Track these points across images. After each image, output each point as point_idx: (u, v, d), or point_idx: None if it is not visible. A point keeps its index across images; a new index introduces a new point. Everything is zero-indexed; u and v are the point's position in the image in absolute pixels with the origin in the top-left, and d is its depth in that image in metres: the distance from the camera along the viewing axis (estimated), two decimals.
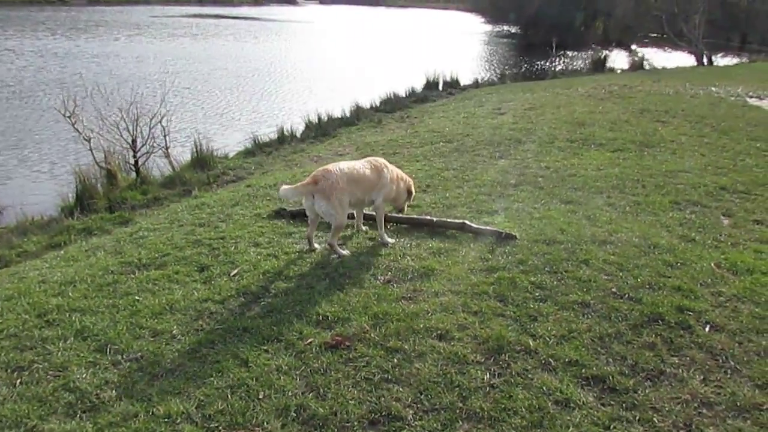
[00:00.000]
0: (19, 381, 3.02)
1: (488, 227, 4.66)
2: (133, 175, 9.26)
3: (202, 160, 9.68)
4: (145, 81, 17.40)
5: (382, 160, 4.73)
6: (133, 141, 9.26)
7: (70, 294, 4.01)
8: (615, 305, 3.45)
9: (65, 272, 4.54)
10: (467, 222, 4.72)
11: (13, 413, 2.75)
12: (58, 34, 32.38)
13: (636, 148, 7.15)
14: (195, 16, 53.41)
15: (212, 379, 2.99)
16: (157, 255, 4.74)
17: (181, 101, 16.03)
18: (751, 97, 10.81)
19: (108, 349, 3.29)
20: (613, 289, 3.63)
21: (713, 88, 11.81)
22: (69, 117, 9.06)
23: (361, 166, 4.55)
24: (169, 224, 5.80)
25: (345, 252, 4.45)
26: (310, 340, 3.27)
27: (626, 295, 3.56)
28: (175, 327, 3.51)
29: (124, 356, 3.23)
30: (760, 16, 28.40)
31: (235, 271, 4.23)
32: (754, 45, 28.94)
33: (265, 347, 3.25)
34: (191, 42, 33.02)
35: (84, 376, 3.04)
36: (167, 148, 10.02)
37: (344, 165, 4.49)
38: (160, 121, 9.71)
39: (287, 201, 4.96)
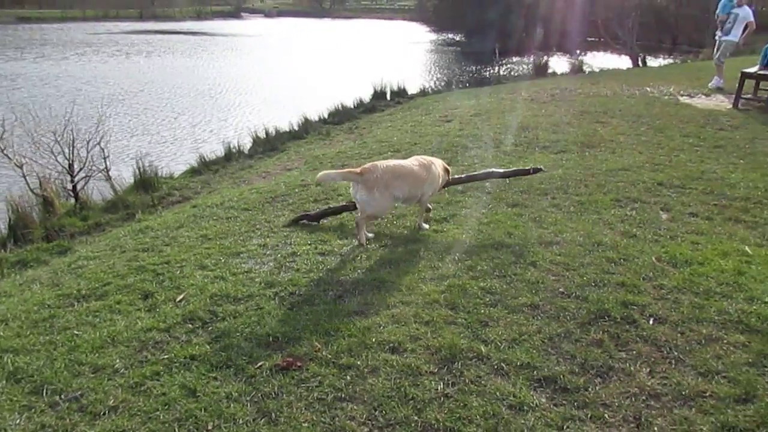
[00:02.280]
0: None
1: (514, 169, 5.59)
2: (72, 200, 8.88)
3: (145, 182, 9.38)
4: (82, 101, 16.79)
5: (429, 157, 5.07)
6: (70, 165, 8.90)
7: (1, 333, 3.77)
8: (563, 305, 3.50)
9: None
10: (494, 170, 5.52)
11: None
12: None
13: (578, 149, 7.35)
14: (136, 32, 52.09)
15: (158, 413, 2.85)
16: (97, 285, 4.53)
17: (122, 121, 15.57)
18: (682, 95, 11.32)
19: (44, 390, 3.09)
20: (561, 289, 3.69)
21: (648, 89, 12.31)
22: None
23: (409, 163, 4.88)
24: (110, 251, 5.58)
25: (370, 235, 4.76)
26: (260, 364, 3.17)
27: (573, 294, 3.62)
28: (117, 360, 3.34)
29: (62, 396, 3.04)
30: (687, 19, 29.98)
31: (181, 297, 4.08)
32: (684, 46, 30.48)
33: (214, 375, 3.13)
34: (130, 60, 32.14)
35: (18, 422, 2.84)
36: (108, 171, 9.68)
37: (392, 162, 4.82)
38: (99, 143, 9.37)
39: (325, 184, 5.04)
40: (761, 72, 10.29)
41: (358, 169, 4.65)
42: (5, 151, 8.62)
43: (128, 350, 3.44)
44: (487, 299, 3.64)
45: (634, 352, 3.05)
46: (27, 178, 8.54)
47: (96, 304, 4.14)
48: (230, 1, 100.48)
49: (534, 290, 3.69)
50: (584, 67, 23.68)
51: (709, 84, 11.90)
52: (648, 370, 2.91)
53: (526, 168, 5.46)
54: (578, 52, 32.51)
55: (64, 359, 3.38)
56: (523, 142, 7.91)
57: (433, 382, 2.90)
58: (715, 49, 12.03)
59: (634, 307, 3.42)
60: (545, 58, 25.89)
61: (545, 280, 3.81)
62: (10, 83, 22.24)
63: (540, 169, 5.38)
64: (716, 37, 11.90)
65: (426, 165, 4.89)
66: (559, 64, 26.14)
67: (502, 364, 2.99)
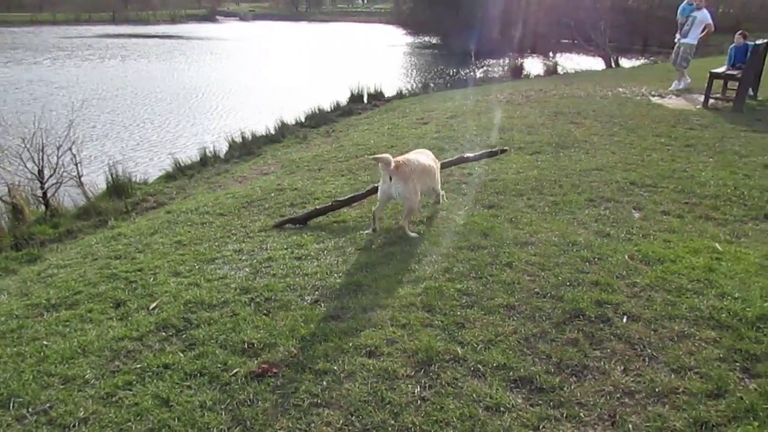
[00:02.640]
0: None
1: (483, 151, 6.03)
2: (42, 207, 8.68)
3: (118, 188, 9.22)
4: (56, 106, 16.47)
5: (425, 150, 5.37)
6: (40, 171, 8.69)
7: None
8: (538, 305, 3.51)
9: None
10: (465, 155, 5.96)
11: None
12: None
13: (552, 150, 7.42)
14: (110, 36, 51.32)
15: (130, 424, 2.79)
16: (67, 294, 4.44)
17: (96, 126, 15.30)
18: (653, 96, 11.52)
19: (11, 403, 3.02)
20: (536, 290, 3.70)
21: (620, 89, 12.50)
22: None
23: (425, 158, 5.05)
24: (81, 259, 5.48)
25: (414, 234, 4.78)
26: (235, 371, 3.12)
27: (548, 294, 3.63)
28: (88, 371, 3.27)
29: (30, 409, 2.97)
30: (657, 21, 30.55)
31: (154, 305, 4.02)
32: (654, 47, 31.06)
33: (188, 383, 3.08)
34: (106, 64, 31.64)
35: None
36: (80, 177, 9.48)
37: (421, 158, 4.99)
38: (70, 148, 9.18)
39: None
40: (729, 72, 10.54)
41: (392, 164, 4.66)
42: None
43: (99, 360, 3.38)
44: (464, 301, 3.64)
45: (609, 350, 3.07)
46: None
47: (66, 313, 4.06)
48: (205, 5, 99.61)
49: (510, 291, 3.70)
50: (558, 69, 24.02)
51: (670, 87, 12.10)
52: (622, 368, 2.93)
53: (494, 149, 6.15)
54: (552, 54, 32.99)
55: (32, 371, 3.30)
56: (499, 144, 7.95)
57: (409, 386, 2.89)
58: (674, 52, 12.27)
59: (608, 306, 3.45)
60: (520, 60, 26.22)
61: (521, 280, 3.83)
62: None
63: (505, 150, 6.27)
64: (675, 40, 12.15)
65: (435, 160, 5.26)
66: (534, 65, 26.48)
67: (479, 366, 2.99)
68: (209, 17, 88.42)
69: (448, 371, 2.98)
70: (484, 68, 28.92)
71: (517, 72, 23.26)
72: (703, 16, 11.48)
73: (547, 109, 10.39)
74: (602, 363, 2.97)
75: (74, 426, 2.82)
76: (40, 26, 60.91)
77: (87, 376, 3.21)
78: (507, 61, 28.97)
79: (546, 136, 8.20)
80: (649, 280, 3.74)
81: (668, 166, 6.49)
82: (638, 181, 5.93)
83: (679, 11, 12.01)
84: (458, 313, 3.50)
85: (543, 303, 3.53)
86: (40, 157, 8.75)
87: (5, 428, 2.84)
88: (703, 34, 11.58)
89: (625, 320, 3.32)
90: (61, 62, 31.46)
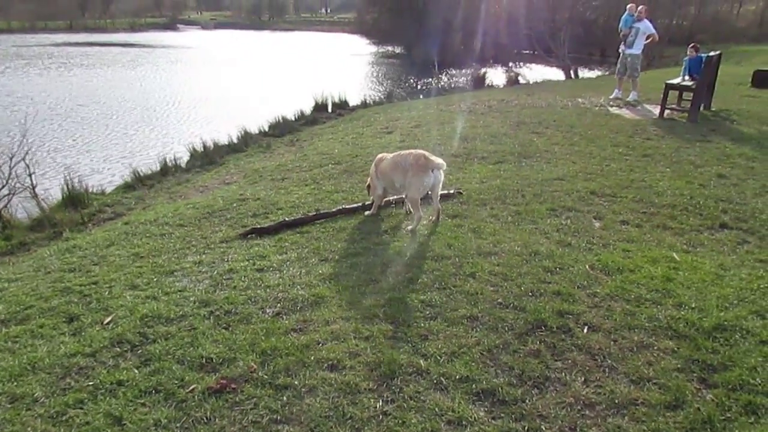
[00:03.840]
0: None
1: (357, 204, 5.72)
2: None
3: (74, 198, 8.90)
4: (18, 117, 15.91)
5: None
6: None
7: None
8: (501, 316, 3.53)
9: None
10: (344, 206, 5.76)
11: None
12: None
13: (515, 159, 7.52)
14: (70, 44, 49.95)
15: None
16: (18, 308, 4.27)
17: (54, 136, 14.81)
18: (611, 106, 11.84)
19: None
20: (499, 300, 3.72)
21: (580, 100, 12.81)
22: None
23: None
24: (34, 272, 5.26)
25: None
26: (192, 387, 3.03)
27: (511, 305, 3.65)
28: (37, 389, 3.14)
29: None
30: (615, 32, 31.60)
31: (109, 319, 3.88)
32: (612, 58, 31.99)
33: (142, 401, 2.98)
34: (71, 72, 30.77)
35: None
36: (34, 188, 9.13)
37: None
38: (23, 159, 8.84)
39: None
40: (684, 83, 10.90)
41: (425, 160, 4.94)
42: None
43: (50, 377, 3.26)
44: (427, 312, 3.63)
45: (570, 361, 3.10)
46: None
47: (16, 329, 3.91)
48: (165, 13, 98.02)
49: (473, 302, 3.71)
50: (520, 79, 24.47)
51: (628, 98, 12.44)
52: (583, 379, 2.96)
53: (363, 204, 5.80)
54: (514, 64, 33.65)
55: None
56: (463, 153, 8.03)
57: (371, 400, 2.85)
58: (619, 62, 12.66)
59: (570, 316, 3.49)
60: (483, 70, 26.63)
61: (484, 291, 3.84)
62: None
63: (461, 193, 5.93)
64: (620, 50, 12.53)
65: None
66: (496, 76, 26.90)
67: (442, 378, 2.98)
68: (170, 25, 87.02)
69: (410, 384, 2.95)
70: (447, 78, 29.24)
71: (479, 82, 23.61)
72: (646, 26, 11.88)
73: (509, 119, 10.55)
74: (564, 374, 2.99)
75: None
76: None
77: (36, 395, 3.10)
78: (470, 71, 29.36)
79: (509, 145, 8.31)
80: (609, 290, 3.81)
81: (627, 176, 6.65)
82: (598, 191, 6.05)
83: (621, 23, 12.39)
84: (422, 324, 3.49)
85: (506, 314, 3.55)
86: None
87: None
88: (648, 42, 11.99)
89: (585, 331, 3.36)
90: (24, 71, 30.45)
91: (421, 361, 3.11)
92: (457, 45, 38.23)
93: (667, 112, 10.59)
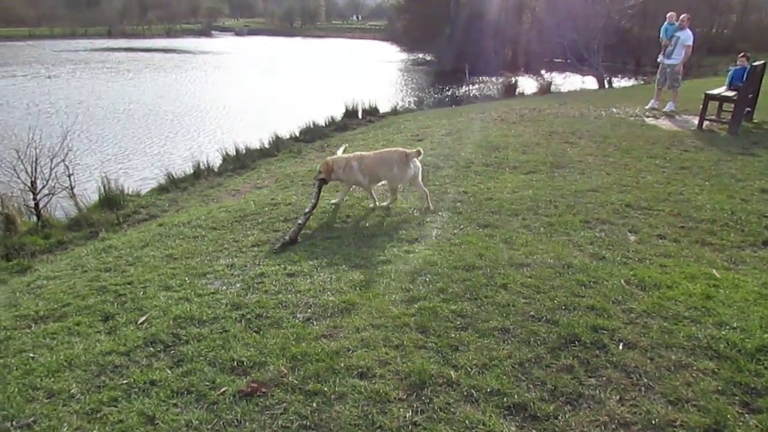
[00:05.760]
0: None
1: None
2: (34, 218, 8.59)
3: (110, 199, 9.15)
4: (50, 119, 16.45)
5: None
6: (33, 182, 8.62)
7: None
8: (534, 329, 3.47)
9: None
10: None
11: None
12: None
13: (547, 170, 7.43)
14: (112, 50, 51.53)
15: None
16: (56, 306, 4.38)
17: (91, 138, 15.25)
18: (647, 116, 11.60)
19: None
20: (532, 313, 3.66)
21: (614, 109, 12.60)
22: None
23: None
24: (71, 271, 5.40)
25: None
26: (223, 390, 3.06)
27: (544, 318, 3.59)
28: (73, 385, 3.21)
29: (14, 423, 2.91)
30: (650, 41, 30.96)
31: (143, 319, 3.95)
32: (648, 67, 31.41)
33: (174, 401, 3.01)
34: (123, 77, 31.76)
35: None
36: (72, 188, 9.42)
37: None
38: (63, 160, 9.13)
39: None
40: (725, 94, 10.58)
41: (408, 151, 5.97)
42: None
43: (85, 375, 3.32)
44: (458, 323, 3.59)
45: (604, 378, 3.01)
46: None
47: (54, 326, 4.00)
48: (200, 20, 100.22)
49: (505, 314, 3.66)
50: (552, 88, 24.24)
51: (664, 108, 12.18)
52: (618, 397, 2.87)
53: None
54: (545, 72, 33.32)
55: (17, 383, 3.25)
56: (494, 162, 7.97)
57: (401, 410, 2.83)
58: (658, 72, 12.38)
59: (604, 332, 3.41)
60: (514, 78, 26.46)
61: (516, 303, 3.79)
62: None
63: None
64: (659, 60, 12.26)
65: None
66: (527, 84, 26.72)
67: (472, 391, 2.94)
68: (204, 32, 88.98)
69: (441, 396, 2.92)
70: (478, 86, 29.12)
71: (510, 90, 23.48)
72: (687, 35, 11.59)
73: (541, 128, 10.43)
74: (597, 391, 2.91)
75: None
76: (39, 40, 61.06)
77: (72, 391, 3.16)
78: (501, 79, 29.20)
79: (541, 155, 8.22)
80: (646, 306, 3.70)
81: (663, 188, 6.50)
82: (633, 204, 5.93)
83: (662, 32, 12.11)
84: (452, 335, 3.45)
85: (538, 327, 3.49)
86: (33, 169, 8.69)
87: None
88: (685, 55, 11.70)
89: (621, 347, 3.27)
90: (76, 75, 31.57)
91: (452, 372, 3.08)
92: (488, 53, 38.04)
93: (706, 123, 10.32)
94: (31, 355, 3.57)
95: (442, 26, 39.09)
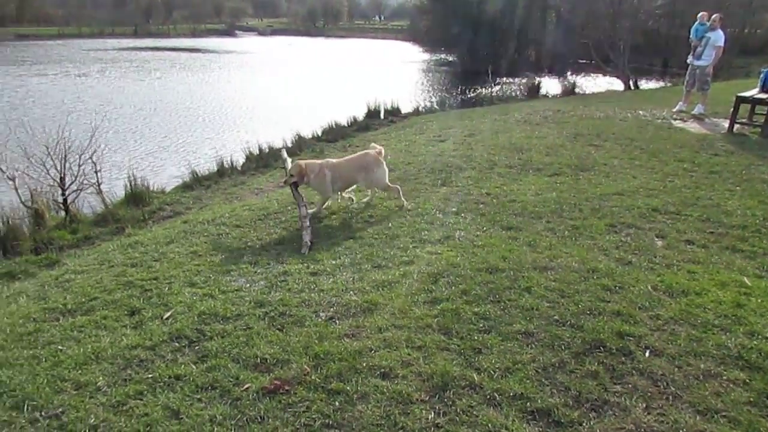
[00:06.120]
0: None
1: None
2: (62, 213, 8.77)
3: (136, 196, 9.30)
4: (80, 117, 16.79)
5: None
6: (62, 178, 8.79)
7: None
8: (558, 333, 3.43)
9: None
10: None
11: None
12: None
13: (572, 172, 7.34)
14: (139, 49, 52.46)
15: None
16: (84, 299, 4.46)
17: (119, 136, 15.52)
18: (675, 119, 11.38)
19: (25, 406, 3.03)
20: (556, 317, 3.62)
21: (640, 112, 12.39)
22: None
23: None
24: (98, 265, 5.50)
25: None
26: (246, 386, 3.09)
27: (568, 323, 3.55)
28: (100, 378, 3.27)
29: (43, 413, 2.98)
30: (679, 42, 30.37)
31: (168, 314, 4.01)
32: (675, 69, 30.81)
33: (198, 396, 3.05)
34: (151, 76, 32.34)
35: None
36: (99, 185, 9.58)
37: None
38: (91, 157, 9.29)
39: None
40: (757, 96, 10.30)
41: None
42: None
43: (112, 368, 3.38)
44: (481, 325, 3.57)
45: (630, 385, 2.97)
46: (18, 190, 8.44)
47: (82, 319, 4.07)
48: (224, 20, 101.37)
49: (528, 317, 3.63)
50: (576, 89, 23.92)
51: (693, 111, 11.91)
52: (644, 405, 2.83)
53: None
54: (570, 74, 32.89)
55: (46, 375, 3.32)
56: (517, 164, 7.91)
57: (423, 411, 2.83)
58: (687, 74, 12.10)
59: (630, 338, 3.35)
60: (538, 79, 26.16)
61: (540, 306, 3.75)
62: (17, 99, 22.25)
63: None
64: (688, 61, 11.98)
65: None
66: (551, 85, 26.40)
67: (495, 394, 2.92)
68: (228, 32, 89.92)
69: (463, 398, 2.91)
70: (501, 87, 28.88)
71: (534, 91, 23.21)
72: (717, 36, 11.27)
73: (565, 130, 10.32)
74: (623, 399, 2.87)
75: None
76: (67, 39, 62.42)
77: (99, 383, 3.22)
78: (524, 80, 28.90)
79: (565, 157, 8.13)
80: (673, 313, 3.64)
81: (692, 193, 6.37)
82: (661, 208, 5.82)
83: (692, 32, 11.81)
84: (475, 337, 3.44)
85: (562, 331, 3.45)
86: (63, 165, 8.87)
87: (18, 430, 2.84)
88: (715, 56, 11.41)
89: (647, 354, 3.22)
90: (105, 75, 32.25)
91: (475, 375, 3.07)
92: (511, 53, 37.76)
93: (737, 126, 10.08)
94: (60, 347, 3.64)
95: (465, 26, 38.86)
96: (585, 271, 4.27)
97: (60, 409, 2.99)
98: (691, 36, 11.86)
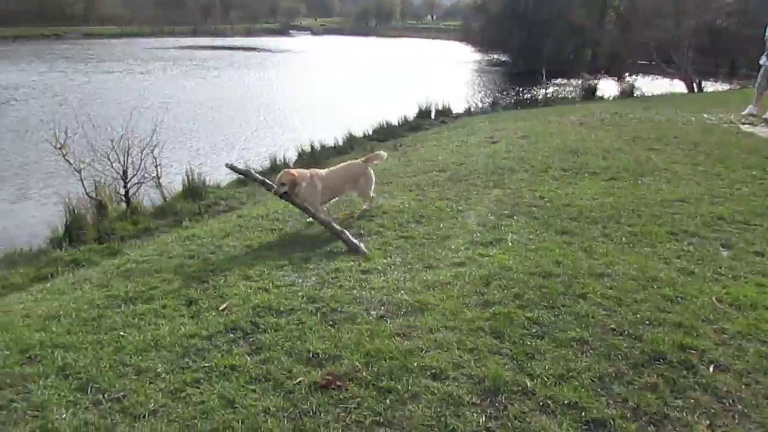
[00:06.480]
0: None
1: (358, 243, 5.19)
2: (124, 205, 9.17)
3: (193, 190, 9.63)
4: (142, 113, 17.51)
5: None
6: (124, 171, 9.20)
7: (53, 329, 3.89)
8: (614, 342, 3.33)
9: (50, 306, 4.42)
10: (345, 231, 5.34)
11: None
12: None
13: (630, 177, 7.11)
14: (199, 47, 54.33)
15: (196, 421, 2.85)
16: (144, 288, 4.63)
17: (178, 131, 16.08)
18: (744, 124, 10.85)
19: (90, 388, 3.16)
20: (612, 326, 3.52)
21: (705, 115, 11.87)
22: (60, 149, 9.01)
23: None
24: (158, 256, 5.70)
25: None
26: (299, 380, 3.14)
27: (626, 332, 3.44)
28: (159, 365, 3.38)
29: (106, 396, 3.10)
30: (749, 41, 28.86)
31: (224, 306, 4.11)
32: (743, 70, 29.28)
33: (253, 387, 3.12)
34: (212, 73, 33.51)
35: (63, 416, 2.91)
36: (159, 178, 9.97)
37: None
38: (152, 152, 9.68)
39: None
40: None
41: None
42: (66, 156, 9.00)
43: (170, 355, 3.48)
44: (534, 330, 3.51)
45: (692, 400, 2.85)
46: (84, 182, 8.88)
47: (142, 307, 4.22)
48: (279, 19, 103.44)
49: (583, 324, 3.54)
50: (635, 91, 23.15)
51: (765, 115, 11.28)
52: (707, 422, 2.71)
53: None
54: (628, 75, 31.80)
55: (109, 359, 3.45)
56: (572, 168, 7.73)
57: (475, 414, 2.80)
58: (759, 75, 11.44)
59: (693, 352, 3.22)
60: (594, 80, 25.47)
61: (596, 314, 3.65)
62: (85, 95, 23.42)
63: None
64: (761, 62, 11.32)
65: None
66: (608, 87, 25.68)
67: (548, 401, 2.86)
68: (282, 31, 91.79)
69: (515, 403, 2.87)
70: (555, 88, 28.27)
71: (590, 93, 22.64)
72: None
73: (623, 134, 10.00)
74: (684, 414, 2.76)
75: (144, 417, 2.91)
76: (130, 38, 65.27)
77: (158, 370, 3.32)
78: (579, 81, 28.21)
79: (623, 161, 7.88)
80: (740, 328, 3.46)
81: (762, 201, 6.05)
82: (727, 217, 5.56)
83: (767, 32, 11.21)
84: (528, 342, 3.38)
85: (619, 341, 3.35)
86: (125, 158, 9.28)
87: (83, 411, 2.97)
88: None
89: (711, 369, 3.08)
90: (168, 72, 33.65)
91: (527, 381, 3.02)
92: (566, 54, 36.88)
93: None
94: (122, 333, 3.79)
95: (519, 26, 38.27)
96: (644, 280, 4.13)
97: (122, 393, 3.10)
98: (766, 35, 11.24)
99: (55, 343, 3.66)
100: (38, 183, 11.19)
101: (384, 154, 6.53)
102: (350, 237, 5.28)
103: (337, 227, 5.38)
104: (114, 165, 9.21)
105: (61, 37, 64.10)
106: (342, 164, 6.54)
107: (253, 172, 6.20)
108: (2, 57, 41.20)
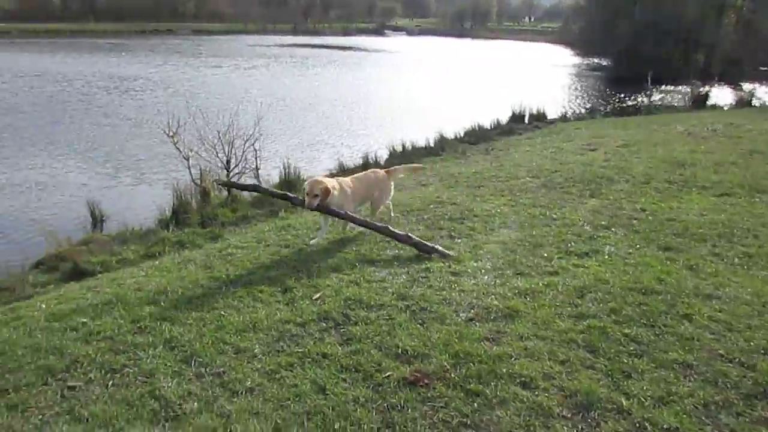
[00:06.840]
0: (111, 383, 3.20)
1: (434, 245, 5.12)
2: (225, 193, 9.71)
3: (289, 182, 10.01)
4: (247, 107, 18.49)
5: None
6: (228, 161, 9.74)
7: (162, 303, 4.23)
8: (723, 370, 3.12)
9: (159, 282, 4.79)
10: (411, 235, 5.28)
11: (104, 414, 2.91)
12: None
13: (745, 193, 6.60)
14: (294, 45, 56.61)
15: (289, 402, 2.99)
16: (243, 273, 4.90)
17: (278, 125, 16.77)
18: None
19: (193, 361, 3.41)
20: (721, 351, 3.30)
21: None
22: (172, 137, 9.69)
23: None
24: (256, 243, 5.99)
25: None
26: (388, 374, 3.21)
27: (736, 360, 3.21)
28: (257, 346, 3.58)
29: (208, 370, 3.32)
30: None
31: (317, 295, 4.27)
32: None
33: (343, 376, 3.23)
34: (300, 72, 34.96)
35: (169, 385, 3.16)
36: (258, 170, 10.44)
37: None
38: (253, 144, 10.16)
39: None
40: None
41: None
42: (177, 145, 9.66)
43: (267, 338, 3.67)
44: (632, 348, 3.37)
45: None
46: (191, 169, 9.50)
47: (241, 290, 4.47)
48: (375, 19, 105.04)
49: (687, 347, 3.35)
50: (753, 101, 21.32)
51: None
52: None
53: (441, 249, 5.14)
54: (747, 83, 29.32)
55: (211, 336, 3.69)
56: (678, 180, 7.28)
57: (565, 428, 2.74)
58: None
59: None
60: (706, 88, 23.71)
61: (702, 337, 3.44)
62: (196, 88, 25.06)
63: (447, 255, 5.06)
64: None
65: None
66: (722, 95, 23.82)
67: (646, 424, 2.74)
68: (378, 31, 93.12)
69: (609, 421, 2.77)
70: (661, 95, 26.61)
71: (700, 101, 21.12)
72: None
73: (739, 146, 9.29)
74: None
75: (242, 393, 3.09)
76: (234, 35, 68.97)
77: (255, 351, 3.51)
78: (689, 88, 26.35)
79: (737, 176, 7.33)
80: None
81: None
82: None
83: None
84: (625, 360, 3.25)
85: (729, 368, 3.14)
86: (230, 149, 9.81)
87: (187, 382, 3.20)
88: None
89: None
90: (269, 69, 35.55)
91: (623, 400, 2.90)
92: (675, 59, 34.57)
93: None
94: (222, 313, 4.03)
95: (623, 29, 36.37)
96: (759, 305, 3.83)
97: (222, 369, 3.31)
98: None
99: (163, 317, 3.97)
100: (152, 168, 12.11)
101: (420, 166, 6.55)
102: (409, 234, 5.31)
103: (400, 232, 5.35)
104: (219, 155, 9.77)
105: (174, 32, 69.09)
106: (364, 172, 6.48)
107: (263, 185, 6.55)
108: (125, 50, 44.98)
